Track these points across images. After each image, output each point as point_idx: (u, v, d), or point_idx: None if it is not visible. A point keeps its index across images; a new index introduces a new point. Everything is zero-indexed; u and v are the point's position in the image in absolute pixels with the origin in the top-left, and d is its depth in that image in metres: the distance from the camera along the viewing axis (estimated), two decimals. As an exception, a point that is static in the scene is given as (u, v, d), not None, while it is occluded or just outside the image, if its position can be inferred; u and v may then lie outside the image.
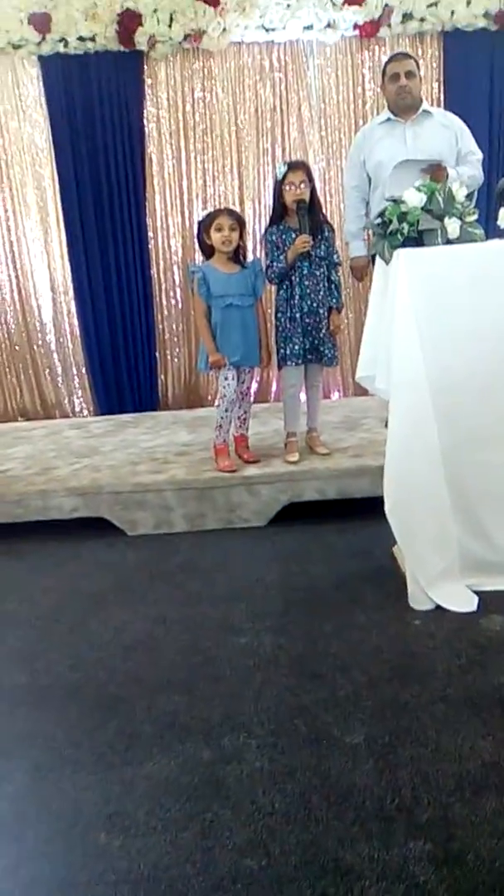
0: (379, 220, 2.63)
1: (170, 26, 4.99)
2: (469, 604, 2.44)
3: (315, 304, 3.51)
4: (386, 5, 5.00)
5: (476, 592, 2.49)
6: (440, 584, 2.46)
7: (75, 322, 5.61)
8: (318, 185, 3.90)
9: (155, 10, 4.94)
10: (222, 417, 3.58)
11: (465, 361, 2.46)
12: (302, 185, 3.41)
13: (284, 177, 3.43)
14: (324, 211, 3.78)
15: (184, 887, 1.38)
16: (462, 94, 5.15)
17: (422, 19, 5.07)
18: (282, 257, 3.47)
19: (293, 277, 3.50)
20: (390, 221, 2.56)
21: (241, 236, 3.53)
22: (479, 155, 3.84)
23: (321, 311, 3.53)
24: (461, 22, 5.08)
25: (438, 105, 5.00)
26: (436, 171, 3.46)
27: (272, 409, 4.93)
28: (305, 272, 3.49)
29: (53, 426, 5.28)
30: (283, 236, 3.49)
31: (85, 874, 1.43)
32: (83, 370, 5.72)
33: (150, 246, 5.52)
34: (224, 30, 5.02)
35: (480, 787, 1.57)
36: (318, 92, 5.38)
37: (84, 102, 5.17)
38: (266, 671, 2.14)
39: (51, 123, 5.24)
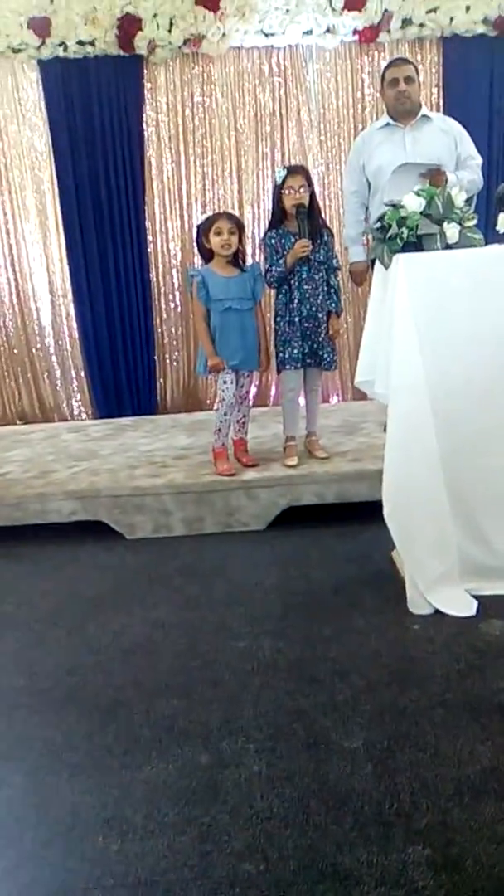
0: (378, 225, 2.64)
1: (169, 31, 5.00)
2: (468, 608, 2.44)
3: (314, 309, 3.52)
4: (385, 11, 5.02)
5: (475, 597, 2.49)
6: (439, 588, 2.46)
7: (74, 325, 5.62)
8: (317, 189, 3.90)
9: (155, 15, 4.95)
10: (221, 421, 3.58)
11: (464, 366, 2.46)
12: (301, 190, 3.41)
13: (284, 181, 3.43)
14: (323, 215, 3.78)
15: (181, 891, 1.37)
16: (461, 100, 5.17)
17: (421, 25, 5.09)
18: (281, 261, 3.48)
19: (292, 281, 3.50)
20: (389, 226, 2.56)
21: (241, 240, 3.53)
22: (479, 159, 3.85)
23: (320, 315, 3.54)
24: (460, 27, 5.10)
25: (438, 110, 5.01)
26: (435, 176, 3.47)
27: (271, 412, 4.93)
28: (304, 276, 3.50)
29: (52, 429, 5.27)
30: (283, 240, 3.50)
31: (82, 878, 1.43)
32: (82, 373, 5.72)
33: (149, 249, 5.52)
34: (223, 34, 5.03)
35: (479, 793, 1.57)
36: (317, 97, 5.39)
37: (83, 106, 5.18)
38: (265, 675, 2.14)
39: (50, 127, 5.25)
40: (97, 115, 5.19)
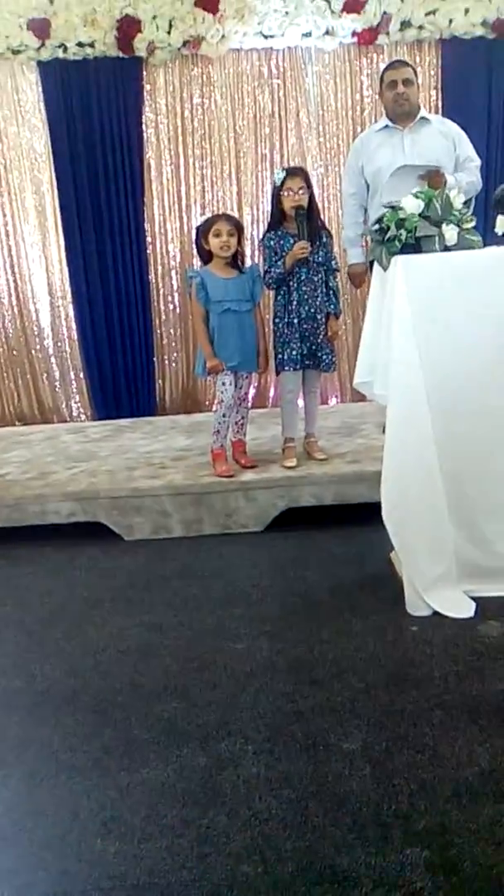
0: (377, 227, 2.64)
1: (169, 33, 5.00)
2: (466, 610, 2.44)
3: (313, 310, 3.52)
4: (384, 13, 5.02)
5: (473, 598, 2.49)
6: (437, 589, 2.46)
7: (73, 327, 5.61)
8: (316, 191, 3.90)
9: (154, 17, 4.95)
10: (220, 423, 3.58)
11: (462, 368, 2.47)
12: (300, 192, 3.41)
13: (283, 183, 3.44)
14: (322, 217, 3.78)
15: (180, 893, 1.37)
16: (460, 102, 5.16)
17: (420, 27, 5.09)
18: (280, 262, 3.48)
19: (291, 283, 3.51)
20: (388, 228, 2.57)
21: (240, 242, 3.54)
22: (478, 161, 3.86)
23: (319, 316, 3.54)
24: (459, 30, 5.10)
25: (436, 112, 5.01)
26: (434, 178, 3.47)
27: (270, 414, 4.92)
28: (303, 278, 3.50)
29: (51, 431, 5.27)
30: (282, 241, 3.50)
31: (80, 880, 1.43)
32: (81, 375, 5.71)
33: (148, 251, 5.52)
34: (223, 36, 5.03)
35: (478, 794, 1.57)
36: (316, 98, 5.39)
37: (83, 108, 5.17)
38: (263, 677, 2.14)
39: (49, 129, 5.24)
40: (96, 116, 5.19)
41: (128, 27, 4.95)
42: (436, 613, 2.44)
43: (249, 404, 3.86)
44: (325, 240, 3.56)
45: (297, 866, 1.41)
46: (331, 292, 3.59)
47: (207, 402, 5.59)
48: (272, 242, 3.52)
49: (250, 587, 2.81)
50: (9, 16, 4.89)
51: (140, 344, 5.56)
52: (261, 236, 3.78)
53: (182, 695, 2.08)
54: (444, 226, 2.54)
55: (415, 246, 2.54)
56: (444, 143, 3.78)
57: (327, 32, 5.11)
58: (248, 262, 3.71)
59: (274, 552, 3.19)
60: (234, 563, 3.09)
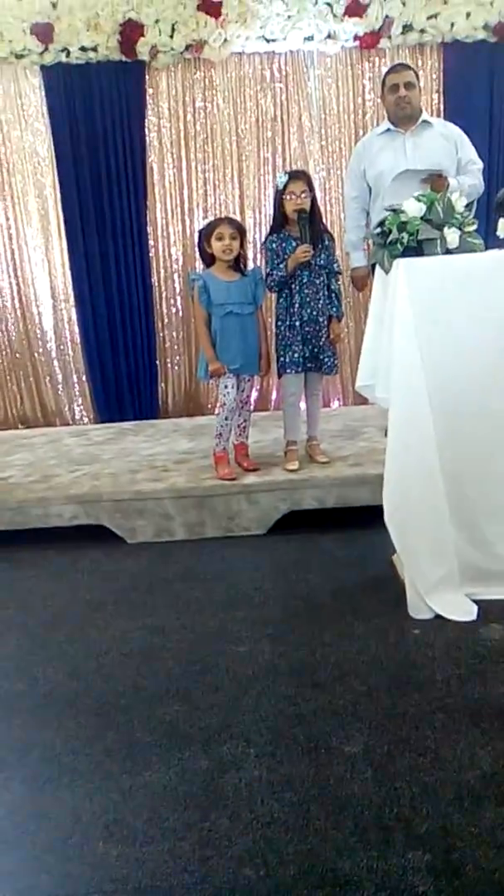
0: (379, 230, 2.64)
1: (171, 36, 5.02)
2: (468, 613, 2.44)
3: (315, 313, 3.52)
4: (386, 17, 5.03)
5: (475, 601, 2.49)
6: (439, 592, 2.46)
7: (76, 330, 5.62)
8: (318, 194, 3.91)
9: (157, 21, 4.97)
10: (222, 426, 3.59)
11: (464, 371, 2.47)
12: (303, 195, 3.42)
13: (285, 186, 3.44)
14: (324, 220, 3.79)
15: (182, 897, 1.37)
16: (461, 105, 5.17)
17: (422, 31, 5.11)
18: (282, 265, 3.48)
19: (293, 286, 3.51)
20: (390, 231, 2.57)
21: (242, 245, 3.54)
22: (480, 164, 3.86)
23: (321, 319, 3.54)
24: (461, 33, 5.11)
25: (438, 116, 5.02)
26: (436, 181, 3.48)
27: (272, 417, 4.93)
28: (305, 280, 3.50)
29: (54, 434, 5.28)
30: (284, 244, 3.51)
31: (83, 883, 1.43)
32: (83, 378, 5.72)
33: (150, 254, 5.53)
34: (225, 40, 5.05)
35: (480, 798, 1.57)
36: (318, 102, 5.41)
37: (86, 112, 5.19)
38: (265, 680, 2.14)
39: (52, 132, 5.26)
40: (99, 120, 5.21)
41: (130, 31, 4.97)
42: (438, 616, 2.44)
43: (252, 407, 3.87)
44: (326, 243, 3.56)
45: (298, 870, 1.41)
46: (333, 295, 3.60)
47: (210, 405, 5.60)
48: (274, 245, 3.53)
49: (252, 590, 2.81)
50: (12, 20, 4.91)
51: (142, 347, 5.57)
52: (263, 239, 3.79)
53: (184, 698, 2.08)
54: (445, 229, 2.54)
55: (416, 249, 2.54)
56: (446, 146, 3.78)
57: (329, 36, 5.12)
58: (250, 265, 3.71)
59: (276, 555, 3.19)
60: (237, 566, 3.09)
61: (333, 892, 1.35)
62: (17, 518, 3.49)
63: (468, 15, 5.04)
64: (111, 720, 1.99)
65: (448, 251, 2.54)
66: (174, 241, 5.57)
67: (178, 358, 5.74)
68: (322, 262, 3.52)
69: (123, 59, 5.10)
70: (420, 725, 1.86)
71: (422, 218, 2.55)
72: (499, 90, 5.27)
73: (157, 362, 5.69)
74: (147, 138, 5.37)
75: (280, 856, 1.45)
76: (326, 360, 3.59)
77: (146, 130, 5.35)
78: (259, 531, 3.46)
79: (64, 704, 2.10)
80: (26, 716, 2.06)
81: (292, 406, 3.71)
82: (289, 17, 5.02)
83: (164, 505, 3.45)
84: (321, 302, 3.54)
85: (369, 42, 5.15)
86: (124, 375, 5.59)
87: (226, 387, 3.53)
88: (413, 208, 2.55)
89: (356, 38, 5.13)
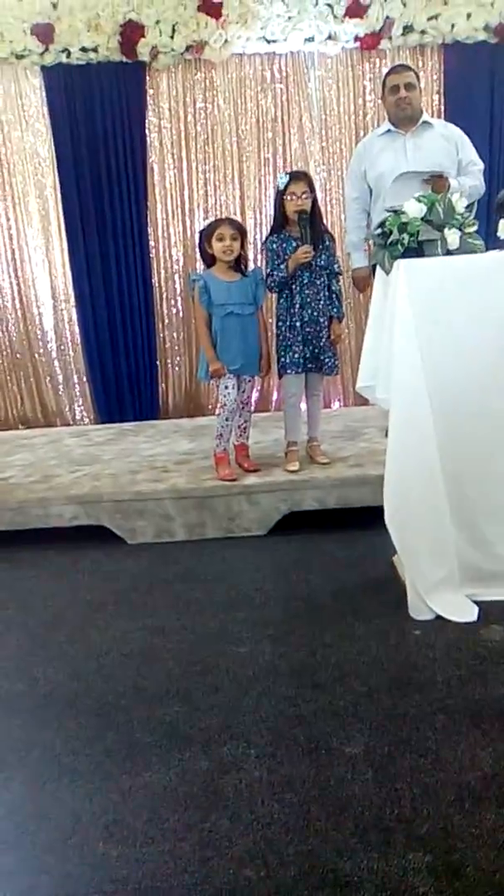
0: (379, 231, 2.64)
1: (172, 37, 5.02)
2: (469, 614, 2.44)
3: (315, 314, 3.52)
4: (387, 18, 5.04)
5: (476, 602, 2.49)
6: (440, 593, 2.46)
7: (76, 330, 5.63)
8: (318, 195, 3.91)
9: (157, 22, 4.97)
10: (222, 426, 3.59)
11: (465, 371, 2.47)
12: (304, 196, 3.42)
13: (286, 187, 3.44)
14: (324, 221, 3.79)
15: (182, 898, 1.37)
16: (462, 106, 5.17)
17: (422, 32, 5.11)
18: (282, 266, 3.48)
19: (293, 286, 3.51)
20: (390, 232, 2.57)
21: (243, 246, 3.54)
22: (481, 165, 3.86)
23: (321, 320, 3.54)
24: (461, 34, 5.12)
25: (439, 117, 5.03)
26: (437, 182, 3.48)
27: (272, 418, 4.93)
28: (306, 281, 3.50)
29: (54, 434, 5.28)
30: (284, 245, 3.51)
31: (83, 884, 1.43)
32: (84, 378, 5.73)
33: (151, 255, 5.54)
34: (226, 41, 5.05)
35: (480, 799, 1.57)
36: (319, 103, 5.41)
37: (86, 112, 5.20)
38: (265, 681, 2.14)
39: (53, 133, 5.26)
40: (100, 120, 5.21)
41: (131, 32, 4.98)
42: (438, 617, 2.44)
43: (252, 408, 3.87)
44: (327, 243, 3.56)
45: (299, 870, 1.41)
46: (333, 296, 3.60)
47: (210, 406, 5.60)
48: (275, 246, 3.53)
49: (253, 591, 2.81)
50: (13, 20, 4.92)
51: (143, 347, 5.57)
52: (263, 240, 3.79)
53: (184, 698, 2.08)
54: (446, 230, 2.54)
55: (417, 250, 2.54)
56: (447, 146, 3.78)
57: (330, 37, 5.13)
58: (250, 266, 3.71)
59: (276, 556, 3.19)
60: (237, 567, 3.09)
61: (334, 893, 1.35)
62: (18, 518, 3.49)
63: (469, 16, 5.05)
64: (111, 721, 1.99)
65: (448, 252, 2.54)
66: (175, 242, 5.58)
67: (178, 358, 5.74)
68: (323, 262, 3.52)
69: (124, 59, 5.10)
70: (421, 726, 1.85)
71: (422, 219, 2.55)
72: (499, 91, 5.28)
73: (158, 363, 5.69)
74: (147, 139, 5.37)
75: (280, 857, 1.45)
76: (327, 360, 3.60)
77: (147, 131, 5.36)
78: (259, 532, 3.46)
79: (64, 705, 2.10)
80: (26, 716, 2.06)
81: (293, 407, 3.71)
82: (289, 18, 5.02)
83: (164, 505, 3.45)
84: (322, 302, 3.54)
85: (370, 43, 5.15)
86: (125, 376, 5.59)
87: (226, 387, 3.53)
88: (413, 209, 2.55)
89: (357, 39, 5.14)
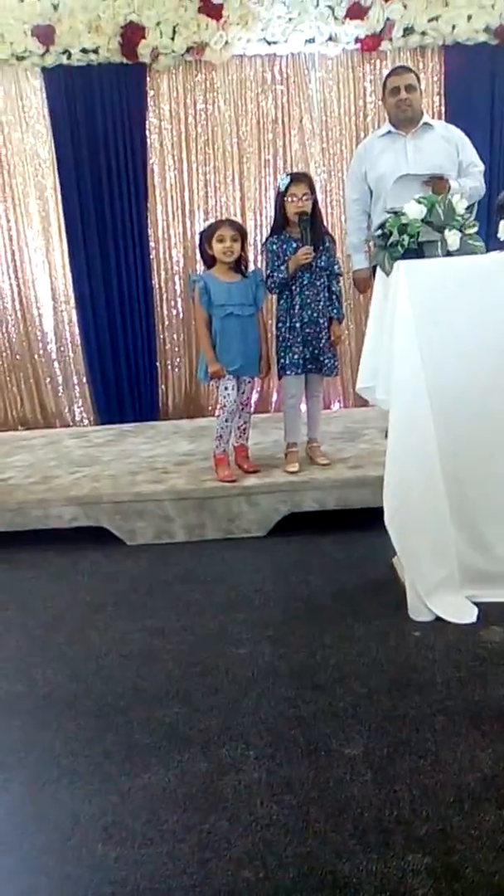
0: (379, 232, 2.64)
1: (172, 39, 5.02)
2: (469, 615, 2.44)
3: (315, 315, 3.52)
4: (387, 19, 5.04)
5: (476, 603, 2.49)
6: (439, 594, 2.46)
7: (76, 331, 5.63)
8: (319, 196, 3.91)
9: (158, 23, 4.97)
10: (222, 427, 3.58)
11: (465, 373, 2.47)
12: (304, 198, 3.42)
13: (287, 188, 3.44)
14: (325, 222, 3.79)
15: (181, 899, 1.37)
16: (463, 108, 5.17)
17: (423, 33, 5.11)
18: (282, 267, 3.48)
19: (293, 287, 3.51)
20: (391, 233, 2.57)
21: (243, 247, 3.54)
22: (481, 166, 3.86)
23: (321, 321, 3.54)
24: (462, 36, 5.12)
25: (439, 118, 5.03)
26: (437, 184, 3.47)
27: (272, 419, 4.93)
28: (306, 282, 3.50)
29: (54, 435, 5.28)
30: (284, 246, 3.51)
31: (81, 885, 1.42)
32: (84, 379, 5.72)
33: (151, 256, 5.54)
34: (226, 42, 5.05)
35: (480, 800, 1.57)
36: (319, 104, 5.41)
37: (87, 114, 5.20)
38: (265, 682, 2.14)
39: (53, 134, 5.27)
40: (100, 122, 5.21)
41: (132, 33, 4.98)
42: (438, 619, 2.43)
43: (252, 409, 3.87)
44: (327, 245, 3.56)
45: (298, 872, 1.41)
46: (333, 297, 3.60)
47: (210, 407, 5.60)
48: (275, 247, 3.53)
49: (253, 592, 2.81)
50: (14, 22, 4.92)
51: (143, 348, 5.57)
52: (263, 241, 3.79)
53: (184, 700, 2.07)
54: (446, 231, 2.54)
55: (417, 251, 2.54)
56: (447, 148, 3.78)
57: (331, 39, 5.13)
58: (251, 267, 3.71)
59: (276, 557, 3.19)
60: (237, 568, 3.09)
61: (333, 895, 1.35)
62: (17, 519, 3.49)
63: (469, 18, 5.05)
64: (111, 722, 1.99)
65: (449, 253, 2.54)
66: (175, 243, 5.58)
67: (178, 360, 5.74)
68: (323, 263, 3.52)
69: (124, 61, 5.10)
70: (420, 728, 1.85)
71: (422, 220, 2.55)
72: (500, 93, 5.28)
73: (158, 364, 5.69)
74: (148, 140, 5.37)
75: (279, 858, 1.45)
76: (327, 361, 3.59)
77: (147, 132, 5.36)
78: (259, 533, 3.45)
79: (63, 706, 2.10)
80: (25, 717, 2.05)
81: (293, 408, 3.71)
82: (290, 19, 5.03)
83: (164, 507, 3.45)
84: (322, 304, 3.54)
85: (370, 44, 5.16)
86: (124, 377, 5.59)
87: (226, 388, 3.53)
88: (414, 210, 2.55)
89: (357, 40, 5.14)
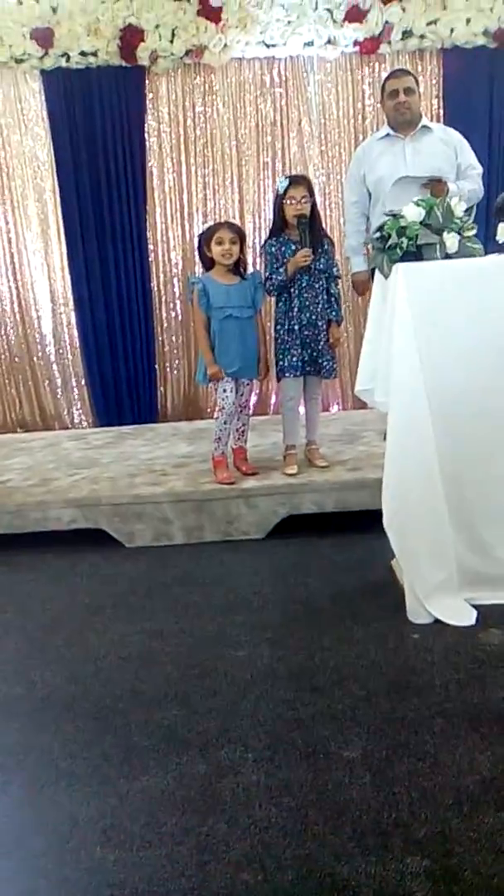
0: (378, 235, 2.65)
1: (171, 42, 5.03)
2: (468, 617, 2.44)
3: (314, 317, 3.53)
4: (386, 22, 5.05)
5: (474, 606, 2.49)
6: (438, 597, 2.46)
7: (75, 334, 5.63)
8: (318, 199, 3.91)
9: (157, 26, 4.98)
10: (221, 430, 3.58)
11: (463, 375, 2.47)
12: (303, 200, 3.42)
13: (286, 191, 3.45)
14: (323, 225, 3.80)
15: (179, 902, 1.37)
16: (461, 111, 5.19)
17: (422, 36, 5.13)
18: (281, 269, 3.49)
19: (292, 290, 3.51)
20: (389, 236, 2.57)
21: (242, 250, 3.55)
22: (480, 169, 3.86)
23: (320, 323, 3.55)
24: (460, 39, 5.14)
25: (438, 121, 5.03)
26: (436, 186, 3.48)
27: (271, 421, 4.94)
28: (304, 284, 3.51)
29: (52, 437, 5.28)
30: (283, 248, 3.51)
31: (80, 888, 1.42)
32: (83, 382, 5.73)
33: (150, 258, 5.54)
34: (225, 45, 5.06)
35: (479, 803, 1.57)
36: (318, 107, 5.42)
37: (86, 116, 5.21)
38: (263, 684, 2.14)
39: (52, 137, 5.27)
40: (99, 124, 5.22)
41: (131, 36, 4.99)
42: (437, 621, 2.43)
43: (251, 411, 3.87)
44: (326, 247, 3.57)
45: (296, 874, 1.41)
46: (332, 299, 3.60)
47: (209, 409, 5.60)
48: (274, 249, 3.53)
49: (251, 594, 2.81)
50: (12, 25, 4.93)
51: (142, 351, 5.58)
52: (262, 243, 3.80)
53: (182, 702, 2.07)
54: (445, 234, 2.54)
55: (416, 254, 2.54)
56: (446, 151, 3.79)
57: (329, 42, 5.15)
58: (249, 269, 3.71)
59: (275, 559, 3.19)
60: (236, 571, 3.08)
61: (332, 898, 1.35)
62: (16, 522, 3.49)
63: (468, 21, 5.07)
64: (109, 724, 1.98)
65: (447, 256, 2.54)
66: (174, 246, 5.58)
67: (177, 362, 5.74)
68: (321, 266, 3.53)
69: (123, 63, 5.11)
70: (419, 730, 1.85)
71: (421, 223, 2.55)
72: (498, 96, 5.29)
73: (157, 366, 5.69)
74: (147, 143, 5.38)
75: (278, 861, 1.44)
76: (325, 363, 3.60)
77: (146, 135, 5.37)
78: (258, 535, 3.45)
79: (62, 708, 2.09)
80: (24, 719, 2.05)
81: (291, 410, 3.71)
82: (289, 22, 5.04)
83: (162, 509, 3.44)
84: (320, 306, 3.54)
85: (369, 47, 5.17)
86: (123, 379, 5.59)
87: (224, 391, 3.53)
88: (412, 213, 2.56)
89: (356, 43, 5.15)
